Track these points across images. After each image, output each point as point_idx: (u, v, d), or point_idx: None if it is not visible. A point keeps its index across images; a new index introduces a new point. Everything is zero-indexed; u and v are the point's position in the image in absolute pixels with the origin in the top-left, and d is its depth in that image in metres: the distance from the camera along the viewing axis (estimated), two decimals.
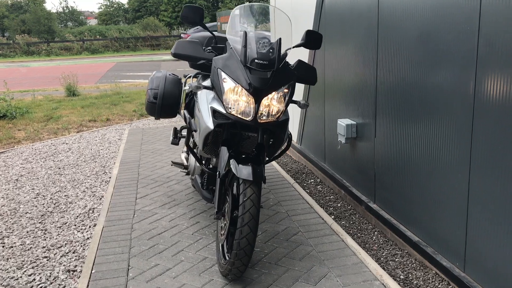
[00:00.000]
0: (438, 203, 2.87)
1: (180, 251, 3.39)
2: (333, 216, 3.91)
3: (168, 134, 7.04)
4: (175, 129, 4.34)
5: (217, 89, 2.96)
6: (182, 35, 24.76)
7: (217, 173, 2.99)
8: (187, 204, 4.25)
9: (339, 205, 4.16)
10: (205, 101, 3.10)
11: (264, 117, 2.88)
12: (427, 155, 2.93)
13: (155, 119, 4.29)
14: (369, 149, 3.70)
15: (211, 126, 2.96)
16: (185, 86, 4.34)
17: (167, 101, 4.15)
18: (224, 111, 2.91)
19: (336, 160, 4.42)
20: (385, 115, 3.43)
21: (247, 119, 2.86)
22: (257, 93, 2.82)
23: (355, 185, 4.02)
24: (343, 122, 3.97)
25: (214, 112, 2.96)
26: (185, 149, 4.34)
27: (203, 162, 3.59)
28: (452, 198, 2.72)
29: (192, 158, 3.78)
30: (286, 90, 2.91)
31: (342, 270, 3.03)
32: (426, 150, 2.93)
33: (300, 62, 3.27)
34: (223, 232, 2.99)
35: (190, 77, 4.46)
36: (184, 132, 4.40)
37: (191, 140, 4.34)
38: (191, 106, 4.14)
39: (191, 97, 4.20)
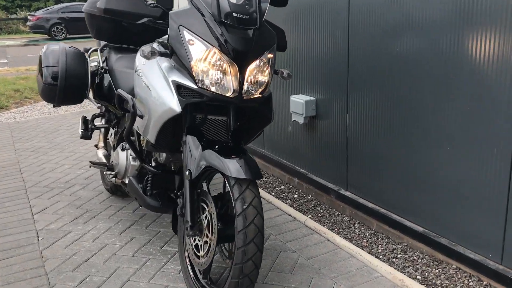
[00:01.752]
0: (451, 186, 2.41)
1: (125, 282, 2.48)
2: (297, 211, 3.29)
3: (46, 128, 5.75)
4: (84, 118, 3.32)
5: (180, 56, 2.11)
6: (29, 17, 21.88)
7: (186, 173, 2.16)
8: (108, 215, 3.28)
9: (296, 196, 3.55)
10: (159, 74, 2.22)
11: (252, 92, 2.12)
12: (423, 126, 2.44)
13: (54, 106, 3.22)
14: (339, 128, 3.14)
15: (176, 108, 2.11)
16: (91, 62, 3.33)
17: (71, 82, 3.12)
18: (194, 86, 2.08)
19: (282, 144, 3.79)
20: (363, 87, 2.88)
21: (229, 95, 2.08)
22: (241, 59, 2.06)
23: (316, 171, 3.44)
24: (299, 99, 3.34)
25: (179, 88, 2.12)
26: (101, 144, 3.34)
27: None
28: (475, 180, 2.28)
29: (122, 155, 2.84)
30: (270, 56, 2.18)
31: (350, 279, 2.43)
32: (419, 121, 2.45)
33: (266, 22, 2.54)
34: (202, 253, 2.18)
35: (95, 50, 3.46)
36: (98, 122, 3.39)
37: (109, 132, 3.36)
38: (104, 87, 3.17)
39: (101, 75, 3.22)
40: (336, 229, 3.01)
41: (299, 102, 3.32)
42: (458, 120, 2.35)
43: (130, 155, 2.81)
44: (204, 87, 2.06)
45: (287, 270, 2.53)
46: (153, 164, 2.67)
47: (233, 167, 1.98)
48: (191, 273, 2.32)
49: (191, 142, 2.20)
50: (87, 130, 3.25)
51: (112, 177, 3.00)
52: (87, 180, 3.97)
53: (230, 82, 2.06)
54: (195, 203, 2.17)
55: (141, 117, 2.34)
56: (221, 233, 2.08)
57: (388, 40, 2.67)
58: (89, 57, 3.34)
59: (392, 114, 2.71)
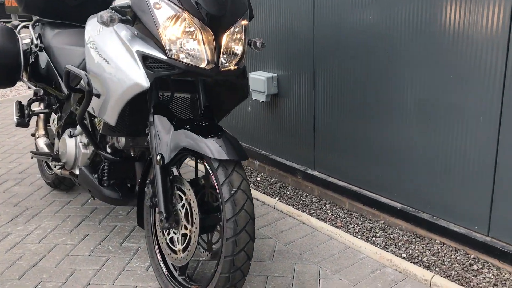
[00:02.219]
0: (431, 160, 2.32)
1: (86, 286, 2.18)
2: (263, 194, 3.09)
3: None
4: (19, 104, 2.90)
5: (144, 23, 1.82)
6: None
7: (158, 158, 1.89)
8: (52, 212, 2.92)
9: (258, 179, 3.35)
10: (118, 45, 1.92)
11: (227, 63, 1.88)
12: (399, 99, 2.33)
13: None
14: (306, 105, 2.96)
15: (144, 82, 1.82)
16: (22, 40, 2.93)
17: (1, 61, 2.72)
18: (163, 57, 1.81)
19: (241, 125, 3.57)
20: (330, 61, 2.72)
21: (204, 66, 1.82)
22: (215, 24, 1.81)
23: (280, 152, 3.25)
24: (260, 76, 3.12)
25: (145, 60, 1.83)
26: (41, 132, 2.94)
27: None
28: (453, 154, 2.20)
29: (70, 142, 2.49)
30: (244, 22, 1.95)
31: (334, 262, 2.28)
32: (394, 93, 2.34)
33: None
34: (179, 247, 1.93)
35: (25, 26, 3.06)
36: (36, 107, 2.98)
37: (50, 118, 2.97)
38: (41, 67, 2.79)
39: (36, 54, 2.84)
40: (307, 211, 2.86)
41: (260, 79, 3.11)
42: (439, 89, 2.25)
43: (80, 141, 2.47)
44: (175, 57, 1.80)
45: (267, 258, 2.34)
46: (109, 150, 2.36)
47: (214, 148, 1.74)
48: (164, 270, 2.07)
49: (159, 123, 1.92)
50: (24, 117, 2.84)
51: (59, 169, 2.64)
52: (21, 174, 3.54)
53: (204, 52, 1.81)
54: (168, 192, 1.91)
55: (98, 96, 2.03)
56: (202, 223, 1.84)
57: (355, 13, 2.51)
58: (19, 34, 2.93)
59: (362, 88, 2.57)
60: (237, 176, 1.74)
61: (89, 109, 2.16)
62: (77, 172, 2.50)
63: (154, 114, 1.94)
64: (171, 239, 1.98)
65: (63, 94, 2.58)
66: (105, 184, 2.34)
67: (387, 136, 2.52)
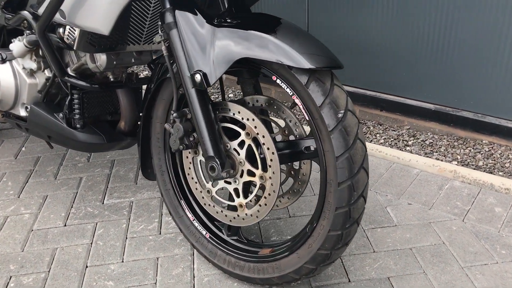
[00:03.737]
0: (471, 51, 1.94)
1: (84, 273, 1.54)
2: None
3: None
4: None
5: None
6: None
7: (197, 77, 1.23)
8: None
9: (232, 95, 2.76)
10: None
11: None
12: None
13: None
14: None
15: None
16: None
17: None
18: None
19: None
20: None
21: None
22: None
23: None
24: None
25: None
26: None
27: None
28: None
29: (4, 69, 1.68)
30: None
31: (390, 184, 1.87)
32: None
33: None
34: (241, 200, 1.35)
35: None
36: None
37: None
38: None
39: None
40: None
41: None
42: None
43: (23, 67, 1.67)
44: None
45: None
46: (74, 76, 1.61)
47: (295, 52, 1.14)
48: (203, 232, 1.49)
49: (187, 22, 1.25)
50: None
51: None
52: None
53: None
54: (215, 126, 1.29)
55: None
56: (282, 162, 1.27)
57: None
58: None
59: None
60: (340, 92, 1.19)
61: (56, 16, 1.38)
62: (22, 113, 1.72)
63: (175, 9, 1.26)
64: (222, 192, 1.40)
65: None
66: (77, 126, 1.62)
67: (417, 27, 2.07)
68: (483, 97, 2.03)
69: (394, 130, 2.28)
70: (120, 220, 1.75)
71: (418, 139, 2.19)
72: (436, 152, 2.09)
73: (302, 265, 1.28)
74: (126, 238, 1.67)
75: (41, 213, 1.81)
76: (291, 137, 1.36)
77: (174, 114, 1.32)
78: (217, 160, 1.27)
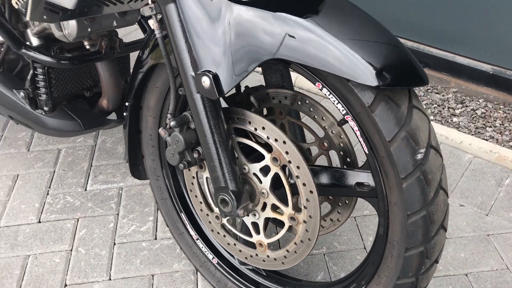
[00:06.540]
0: None
1: None
2: None
3: None
4: None
5: None
6: None
7: (204, 80, 0.84)
8: None
9: None
10: None
11: None
12: None
13: None
14: None
15: None
16: None
17: None
18: None
19: None
20: None
21: None
22: None
23: None
24: None
25: None
26: None
27: None
28: None
29: None
30: None
31: None
32: None
33: None
34: (262, 238, 1.02)
35: None
36: None
37: None
38: None
39: None
40: None
41: None
42: None
43: None
44: None
45: None
46: (35, 43, 1.20)
47: (360, 57, 0.75)
48: (210, 256, 1.17)
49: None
50: None
51: None
52: None
53: None
54: (228, 144, 0.92)
55: None
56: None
57: None
58: None
59: None
60: (421, 120, 0.80)
61: None
62: None
63: None
64: (233, 223, 1.06)
65: None
66: (45, 108, 1.24)
67: None
68: None
69: (438, 93, 1.88)
70: (106, 217, 1.43)
71: (467, 107, 1.81)
72: (490, 126, 1.72)
73: None
74: (114, 244, 1.36)
75: (10, 202, 1.48)
76: (334, 157, 0.99)
77: (172, 123, 0.94)
78: (230, 193, 0.92)
